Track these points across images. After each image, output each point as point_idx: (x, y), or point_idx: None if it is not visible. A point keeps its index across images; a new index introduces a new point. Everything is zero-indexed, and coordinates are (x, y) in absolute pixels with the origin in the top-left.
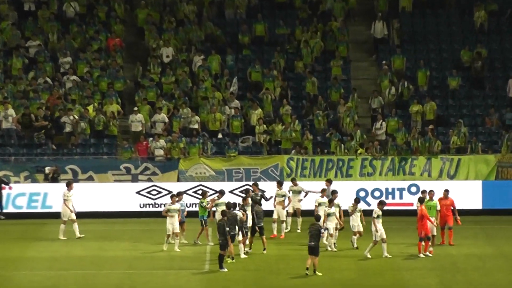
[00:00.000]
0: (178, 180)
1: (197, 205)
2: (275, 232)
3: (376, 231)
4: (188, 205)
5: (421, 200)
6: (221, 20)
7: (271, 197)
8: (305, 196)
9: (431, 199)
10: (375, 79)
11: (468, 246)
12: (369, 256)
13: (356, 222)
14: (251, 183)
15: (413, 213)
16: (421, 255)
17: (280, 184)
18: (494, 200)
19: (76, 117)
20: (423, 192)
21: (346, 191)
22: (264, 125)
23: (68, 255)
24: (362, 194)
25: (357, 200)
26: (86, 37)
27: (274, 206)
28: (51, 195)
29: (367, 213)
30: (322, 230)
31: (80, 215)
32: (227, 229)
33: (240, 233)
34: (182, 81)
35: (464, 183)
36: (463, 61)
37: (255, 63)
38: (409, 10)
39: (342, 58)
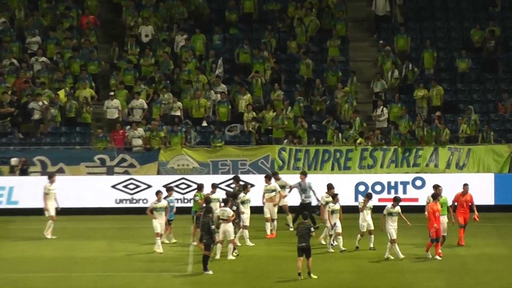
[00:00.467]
0: (158, 172)
1: (191, 200)
2: (268, 232)
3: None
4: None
5: (434, 196)
6: None
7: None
8: (289, 191)
9: (439, 194)
10: (376, 61)
11: (478, 245)
12: (391, 257)
13: (365, 221)
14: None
15: (417, 209)
16: (429, 254)
17: (268, 178)
18: (507, 195)
19: (46, 103)
20: (436, 187)
21: (344, 185)
22: (254, 112)
23: (36, 256)
24: (362, 188)
25: (369, 196)
26: (56, 14)
27: (263, 204)
28: (18, 190)
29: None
30: (312, 229)
31: None
32: (213, 227)
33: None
34: (163, 63)
35: (475, 176)
36: (474, 41)
37: (243, 43)
38: None
39: (339, 38)
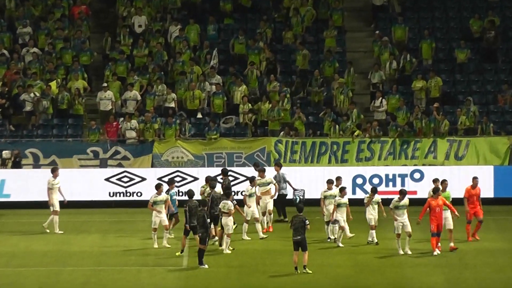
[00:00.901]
0: (152, 165)
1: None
2: (265, 225)
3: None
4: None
5: (435, 191)
6: None
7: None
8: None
9: (444, 189)
10: (373, 52)
11: (477, 239)
12: (401, 251)
13: (372, 215)
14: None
15: (416, 202)
16: (437, 251)
17: (263, 172)
18: (507, 187)
19: (37, 95)
20: (435, 181)
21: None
22: (249, 104)
23: (28, 250)
24: (359, 181)
25: (373, 190)
26: (47, 4)
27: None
28: (9, 182)
29: (363, 202)
30: (307, 222)
31: (42, 205)
32: (208, 220)
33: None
34: (157, 54)
35: (474, 168)
36: (473, 31)
37: (238, 33)
38: None
39: (336, 28)
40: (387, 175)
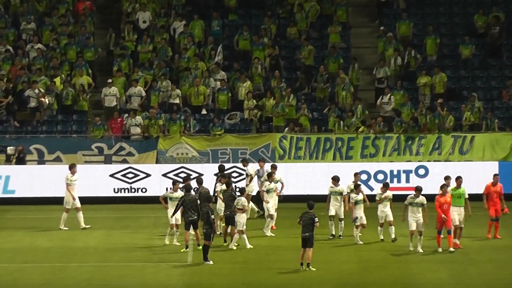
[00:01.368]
0: (157, 161)
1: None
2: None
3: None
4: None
5: (441, 188)
6: None
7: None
8: (250, 180)
9: (459, 186)
10: (378, 48)
11: (482, 235)
12: (412, 248)
13: (383, 212)
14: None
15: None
16: (440, 248)
17: (274, 169)
18: None
19: (42, 91)
20: (447, 178)
21: (346, 174)
22: (254, 100)
23: (32, 246)
24: (364, 177)
25: (385, 185)
26: (52, 0)
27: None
28: (14, 179)
29: (368, 199)
30: (316, 219)
31: (46, 201)
32: (212, 216)
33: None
34: (161, 50)
35: (479, 164)
36: (477, 27)
37: (243, 29)
38: None
39: (341, 24)
40: (391, 171)
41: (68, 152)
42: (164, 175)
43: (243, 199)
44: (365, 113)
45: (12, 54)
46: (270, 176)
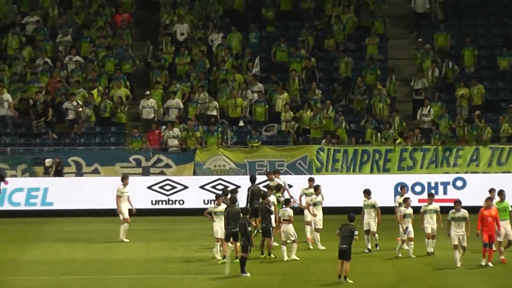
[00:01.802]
0: (194, 173)
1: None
2: (308, 235)
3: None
4: (206, 202)
5: (488, 200)
6: None
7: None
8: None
9: (502, 200)
10: (415, 59)
11: None
12: (459, 263)
13: (429, 223)
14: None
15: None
16: (483, 261)
17: (312, 181)
18: None
19: (80, 103)
20: (491, 190)
21: (383, 185)
22: (291, 112)
23: (70, 258)
24: None
25: (430, 195)
26: (90, 12)
27: (299, 206)
28: (52, 191)
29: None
30: (356, 233)
31: (84, 213)
32: (249, 228)
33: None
34: (199, 62)
35: None
36: None
37: (280, 41)
38: None
39: (378, 35)
40: (429, 183)
41: (106, 164)
42: (202, 187)
43: (289, 210)
44: (403, 125)
45: (51, 67)
46: (316, 189)
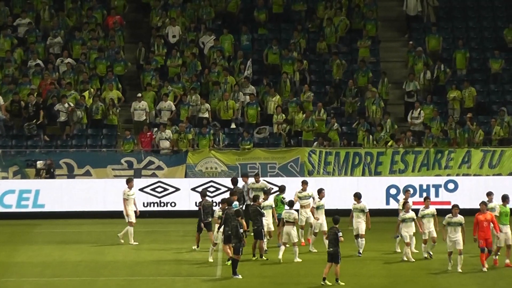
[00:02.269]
0: (186, 175)
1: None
2: (302, 240)
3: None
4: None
5: (482, 204)
6: None
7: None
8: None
9: (505, 204)
10: (407, 62)
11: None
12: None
13: (427, 228)
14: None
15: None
16: (485, 267)
17: (305, 184)
18: None
19: (72, 105)
20: (489, 194)
21: (374, 188)
22: (283, 114)
23: (62, 260)
24: (393, 191)
25: (426, 199)
26: (82, 14)
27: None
28: (44, 193)
29: (397, 213)
30: (340, 234)
31: (76, 215)
32: (241, 230)
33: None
34: (190, 64)
35: (508, 179)
36: (507, 41)
37: (272, 43)
38: None
39: (370, 38)
40: (421, 186)
41: (97, 166)
42: (193, 189)
43: (295, 212)
44: (394, 127)
45: (43, 69)
46: (320, 193)
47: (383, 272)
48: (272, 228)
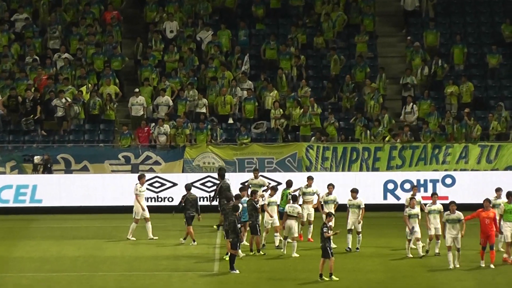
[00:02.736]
0: (184, 170)
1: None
2: (309, 236)
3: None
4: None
5: (489, 201)
6: None
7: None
8: (265, 191)
9: (510, 201)
10: (405, 57)
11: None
12: (451, 265)
13: (432, 224)
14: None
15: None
16: (482, 263)
17: (311, 180)
18: None
19: (69, 100)
20: (498, 190)
21: (372, 183)
22: (281, 109)
23: (60, 255)
24: (390, 186)
25: (433, 195)
26: (79, 9)
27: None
28: (41, 188)
29: (395, 208)
30: (325, 229)
31: (73, 210)
32: (239, 226)
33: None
34: (188, 59)
35: (505, 174)
36: (505, 36)
37: (269, 39)
38: None
39: (367, 33)
40: (418, 181)
41: (95, 161)
42: (192, 184)
43: (298, 207)
44: (392, 122)
45: (40, 64)
46: (328, 188)
47: (381, 267)
48: (277, 224)
